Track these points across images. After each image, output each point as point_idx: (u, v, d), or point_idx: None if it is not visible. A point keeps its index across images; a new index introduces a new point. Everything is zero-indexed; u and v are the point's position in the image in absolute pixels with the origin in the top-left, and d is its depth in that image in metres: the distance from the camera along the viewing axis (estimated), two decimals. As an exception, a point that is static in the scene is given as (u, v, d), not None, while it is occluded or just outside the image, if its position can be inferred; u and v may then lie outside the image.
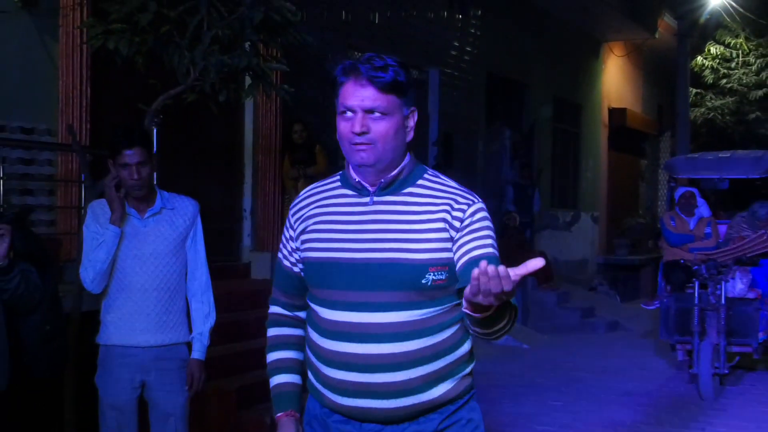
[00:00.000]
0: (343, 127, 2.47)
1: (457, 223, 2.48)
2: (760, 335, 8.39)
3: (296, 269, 2.66)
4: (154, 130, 6.49)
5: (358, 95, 2.43)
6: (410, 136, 2.53)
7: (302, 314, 2.70)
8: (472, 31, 13.00)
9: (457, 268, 2.46)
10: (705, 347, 7.92)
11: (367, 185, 2.52)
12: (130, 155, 3.81)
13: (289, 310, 2.72)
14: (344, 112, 2.47)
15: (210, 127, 8.32)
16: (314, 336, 2.57)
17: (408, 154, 2.55)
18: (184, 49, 5.12)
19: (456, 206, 2.49)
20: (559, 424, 6.87)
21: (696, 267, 8.34)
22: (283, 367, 2.68)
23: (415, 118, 2.54)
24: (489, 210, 2.62)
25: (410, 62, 11.53)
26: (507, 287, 1.96)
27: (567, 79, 16.48)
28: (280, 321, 2.72)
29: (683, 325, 8.54)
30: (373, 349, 2.45)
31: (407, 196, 2.53)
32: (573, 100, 16.97)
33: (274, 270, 2.84)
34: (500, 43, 13.55)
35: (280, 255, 2.72)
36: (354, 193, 2.56)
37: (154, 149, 6.60)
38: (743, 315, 8.37)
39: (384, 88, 2.43)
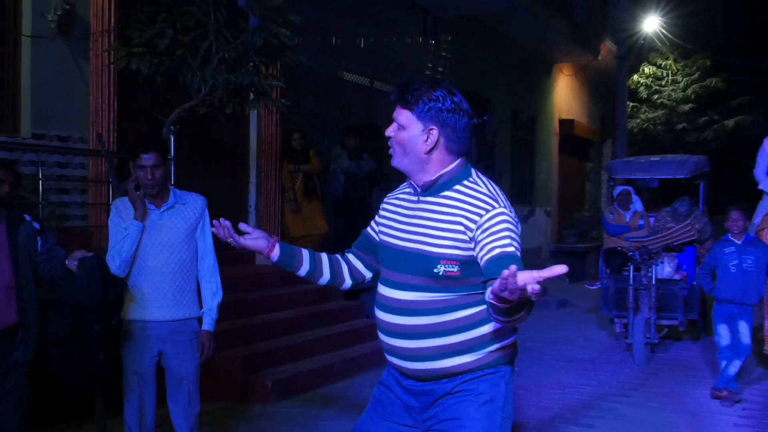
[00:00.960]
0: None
1: (473, 225, 2.50)
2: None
3: (371, 234, 2.92)
4: (172, 138, 6.49)
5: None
6: (435, 144, 2.59)
7: (353, 258, 2.96)
8: (443, 54, 13.00)
9: (481, 264, 2.45)
10: (638, 321, 7.96)
11: (417, 187, 2.67)
12: (147, 159, 3.81)
13: (350, 253, 2.98)
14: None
15: (220, 135, 8.32)
16: (376, 301, 2.78)
17: (455, 162, 2.63)
18: (196, 69, 5.14)
19: (474, 211, 2.52)
20: (517, 386, 6.86)
21: (631, 253, 8.37)
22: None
23: (435, 131, 2.58)
24: None
25: (389, 80, 11.65)
26: (532, 289, 1.98)
27: (523, 95, 16.48)
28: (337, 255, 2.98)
29: (620, 302, 8.58)
30: (397, 320, 2.63)
31: (443, 198, 2.60)
32: (529, 112, 16.95)
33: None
34: (466, 64, 13.55)
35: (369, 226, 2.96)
36: (412, 191, 2.71)
37: (171, 154, 6.63)
38: (670, 293, 8.42)
39: (404, 101, 2.62)
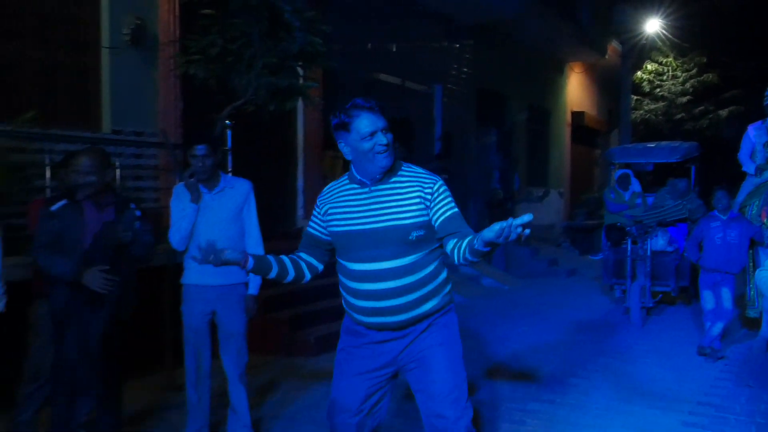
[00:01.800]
0: (368, 145, 2.71)
1: (429, 196, 2.75)
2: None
3: (317, 233, 2.95)
4: (228, 132, 6.58)
5: (376, 121, 2.72)
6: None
7: (305, 256, 3.01)
8: (466, 56, 12.89)
9: (436, 225, 2.75)
10: (635, 287, 7.88)
11: (366, 180, 2.79)
12: (199, 150, 3.88)
13: (300, 253, 3.03)
14: (366, 137, 2.71)
15: (272, 129, 8.37)
16: (345, 280, 2.86)
17: None
18: (243, 73, 5.17)
19: (425, 185, 2.78)
20: (525, 344, 6.87)
21: (628, 228, 8.27)
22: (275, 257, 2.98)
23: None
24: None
25: (419, 80, 11.60)
26: (516, 233, 2.32)
27: (539, 91, 16.30)
28: (292, 256, 3.02)
29: (619, 271, 8.50)
30: (383, 286, 2.76)
31: (394, 184, 2.79)
32: (543, 106, 16.76)
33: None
34: (486, 65, 13.43)
35: (308, 226, 3.01)
36: (357, 186, 2.82)
37: (228, 145, 6.72)
38: (663, 263, 8.31)
39: (383, 113, 2.75)
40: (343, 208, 2.82)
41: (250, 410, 4.19)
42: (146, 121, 6.74)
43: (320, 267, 3.03)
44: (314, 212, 2.96)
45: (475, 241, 2.52)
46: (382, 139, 2.70)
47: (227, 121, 5.81)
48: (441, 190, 2.78)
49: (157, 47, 6.71)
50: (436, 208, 2.74)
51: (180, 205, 3.98)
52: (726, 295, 6.43)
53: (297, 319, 6.52)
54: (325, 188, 2.98)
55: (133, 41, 6.54)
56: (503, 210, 12.81)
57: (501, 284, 10.58)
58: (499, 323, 7.87)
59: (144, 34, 6.61)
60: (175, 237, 3.99)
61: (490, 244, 2.45)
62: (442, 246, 2.80)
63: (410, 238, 2.71)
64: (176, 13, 6.71)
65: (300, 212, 9.03)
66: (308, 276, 3.00)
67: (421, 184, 2.76)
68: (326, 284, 7.39)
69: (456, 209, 2.77)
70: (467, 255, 2.61)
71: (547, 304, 9.16)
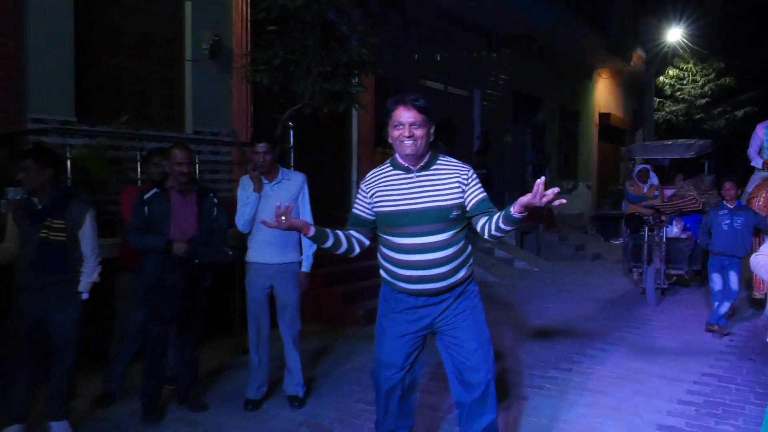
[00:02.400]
0: (397, 133, 2.80)
1: (465, 181, 2.85)
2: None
3: (362, 214, 2.98)
4: (291, 132, 6.63)
5: (406, 115, 2.77)
6: (431, 138, 2.86)
7: (354, 233, 3.01)
8: (504, 64, 12.69)
9: (468, 206, 2.85)
10: (651, 270, 7.65)
11: (410, 166, 2.86)
12: (260, 147, 3.93)
13: (350, 231, 3.03)
14: (397, 125, 2.80)
15: (332, 130, 8.43)
16: (391, 252, 2.91)
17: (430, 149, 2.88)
18: (301, 80, 5.20)
19: (461, 173, 2.86)
20: (549, 319, 6.77)
21: (646, 217, 8.05)
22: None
23: (433, 129, 2.86)
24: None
25: (460, 85, 11.46)
26: (547, 198, 2.46)
27: (569, 94, 15.89)
28: (345, 232, 3.02)
29: (637, 255, 8.24)
30: (427, 257, 2.83)
31: (435, 171, 2.87)
32: (573, 108, 16.34)
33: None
34: (521, 71, 13.19)
35: (354, 208, 3.03)
36: (402, 172, 2.88)
37: (291, 143, 6.77)
38: (677, 249, 8.03)
39: (419, 110, 2.78)
40: (389, 191, 2.87)
41: (303, 371, 4.24)
42: (222, 122, 6.85)
43: (367, 242, 3.06)
44: (359, 195, 2.99)
45: (500, 219, 2.68)
46: (406, 131, 2.76)
47: (289, 123, 5.84)
48: (473, 176, 2.89)
49: (232, 59, 6.79)
50: (469, 192, 2.83)
51: (244, 194, 4.04)
52: (733, 277, 6.17)
53: (348, 294, 6.55)
54: (368, 174, 3.01)
55: (211, 55, 6.65)
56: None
57: (532, 266, 10.41)
58: (528, 301, 7.75)
59: (220, 49, 6.72)
60: (240, 221, 4.05)
61: (524, 208, 2.55)
62: (470, 224, 2.90)
63: (450, 217, 2.80)
64: (248, 29, 6.78)
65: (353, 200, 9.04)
66: (358, 249, 3.02)
67: (459, 172, 2.85)
68: (374, 265, 7.45)
69: (485, 193, 2.87)
70: (493, 231, 2.74)
71: (572, 284, 8.98)
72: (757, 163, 6.91)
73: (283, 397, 4.22)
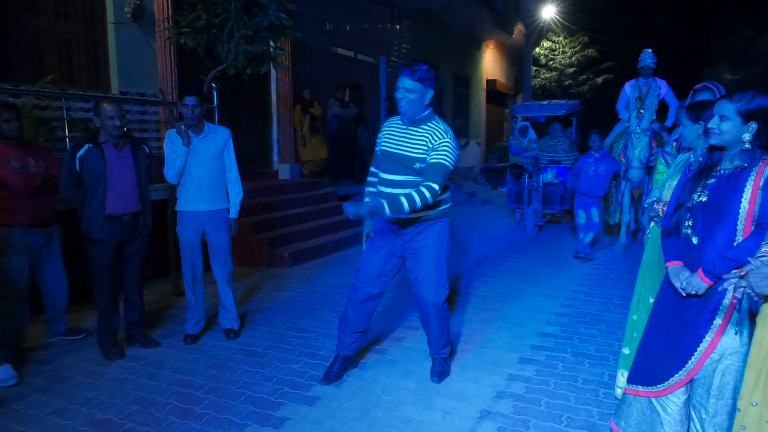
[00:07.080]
0: (396, 94, 2.98)
1: (431, 144, 2.97)
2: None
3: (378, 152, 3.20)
4: (215, 93, 6.28)
5: (403, 81, 2.97)
6: (427, 101, 3.00)
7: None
8: (405, 34, 12.54)
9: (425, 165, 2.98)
10: (530, 210, 8.01)
11: (405, 120, 3.06)
12: (189, 99, 3.70)
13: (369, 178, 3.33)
14: (399, 88, 2.98)
15: (253, 90, 8.06)
16: (379, 184, 3.14)
17: (428, 110, 3.01)
18: (224, 43, 4.91)
19: (434, 137, 2.97)
20: (449, 253, 6.94)
21: (526, 166, 8.35)
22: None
23: (431, 94, 2.98)
24: None
25: (368, 53, 11.26)
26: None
27: (462, 63, 16.01)
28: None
29: (519, 198, 8.61)
30: (393, 191, 3.03)
31: (419, 129, 3.02)
32: (465, 75, 16.50)
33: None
34: (421, 41, 13.11)
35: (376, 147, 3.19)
36: (401, 123, 3.09)
37: (215, 103, 6.43)
38: (551, 192, 8.44)
39: (413, 78, 2.95)
40: (387, 135, 3.11)
41: (236, 307, 4.15)
42: (148, 83, 6.41)
43: None
44: (378, 136, 3.21)
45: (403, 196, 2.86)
46: (401, 94, 2.96)
47: (213, 84, 5.52)
48: (443, 143, 2.94)
49: (154, 22, 6.31)
50: (432, 154, 2.94)
51: (173, 147, 3.81)
52: (594, 212, 6.56)
53: (274, 239, 6.43)
54: (387, 120, 3.19)
55: (134, 17, 6.14)
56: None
57: (432, 211, 10.58)
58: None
59: (142, 12, 6.21)
60: (170, 173, 3.82)
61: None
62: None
63: (415, 167, 2.97)
64: (169, -6, 6.29)
65: (275, 157, 8.79)
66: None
67: (434, 135, 2.96)
68: (300, 213, 7.34)
69: (442, 162, 2.91)
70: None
71: (466, 224, 9.24)
72: (623, 115, 7.25)
73: (220, 332, 4.12)
